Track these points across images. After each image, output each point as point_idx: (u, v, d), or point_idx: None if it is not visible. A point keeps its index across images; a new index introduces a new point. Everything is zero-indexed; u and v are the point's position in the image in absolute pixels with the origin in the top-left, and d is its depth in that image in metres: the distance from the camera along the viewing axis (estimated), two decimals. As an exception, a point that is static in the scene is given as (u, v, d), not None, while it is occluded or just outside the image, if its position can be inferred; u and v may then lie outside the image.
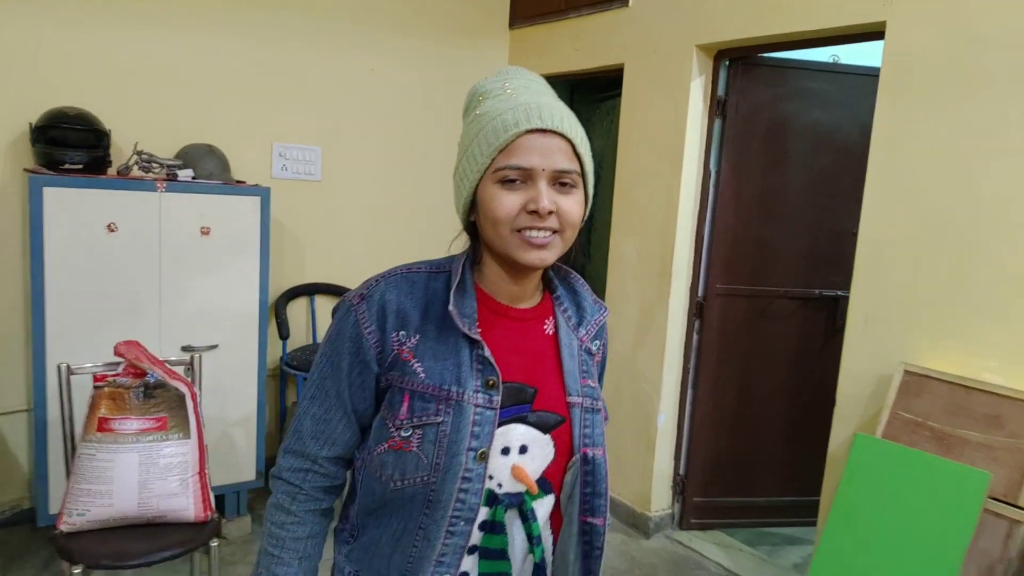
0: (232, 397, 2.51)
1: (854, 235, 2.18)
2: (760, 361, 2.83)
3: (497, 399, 0.82)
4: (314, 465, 0.87)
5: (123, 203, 2.23)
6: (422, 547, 0.82)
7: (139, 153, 2.37)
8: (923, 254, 2.00)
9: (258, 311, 2.52)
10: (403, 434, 0.81)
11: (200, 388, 2.01)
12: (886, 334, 2.08)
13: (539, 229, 0.79)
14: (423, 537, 0.81)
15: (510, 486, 0.84)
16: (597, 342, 0.95)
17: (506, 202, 0.79)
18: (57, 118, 2.29)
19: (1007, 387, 1.79)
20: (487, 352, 0.83)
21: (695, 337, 2.80)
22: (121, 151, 2.49)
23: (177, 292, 2.36)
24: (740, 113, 2.67)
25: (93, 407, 1.79)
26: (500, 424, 0.82)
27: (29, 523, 2.50)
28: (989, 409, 1.79)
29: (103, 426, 1.77)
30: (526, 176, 0.79)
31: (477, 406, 0.81)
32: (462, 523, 0.81)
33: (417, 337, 0.83)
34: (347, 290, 0.89)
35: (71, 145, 2.27)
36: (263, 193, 2.48)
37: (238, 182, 2.64)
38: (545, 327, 0.90)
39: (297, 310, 3.08)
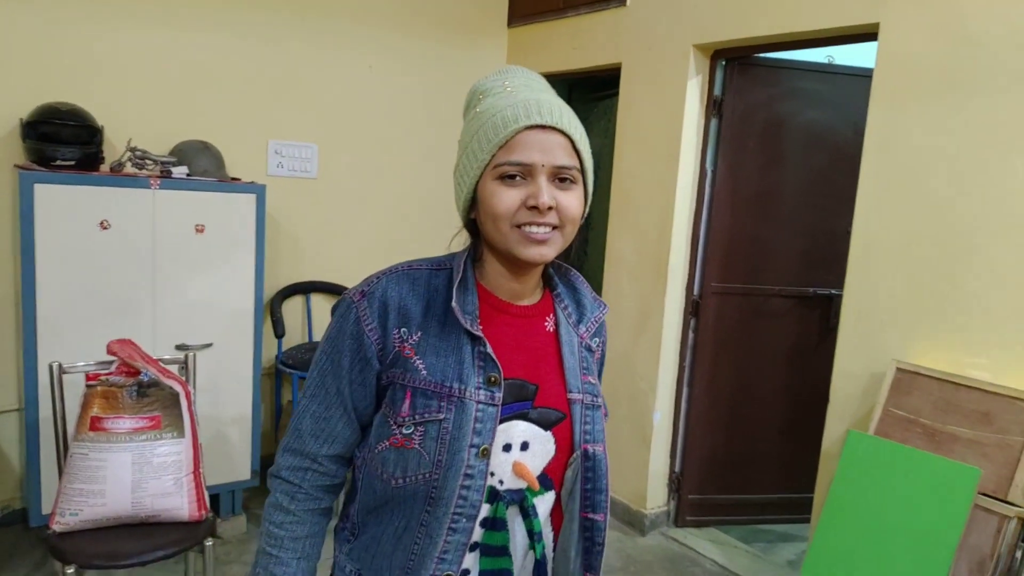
0: (227, 396, 2.50)
1: (848, 234, 2.19)
2: (755, 359, 2.84)
3: (499, 396, 0.82)
4: (314, 464, 0.87)
5: (116, 200, 2.22)
6: (424, 544, 0.81)
7: (132, 150, 2.35)
8: (915, 253, 2.01)
9: (253, 309, 2.50)
10: (405, 431, 0.81)
11: (194, 387, 2.00)
12: (878, 332, 2.09)
13: (539, 225, 0.79)
14: (425, 534, 0.81)
15: (511, 483, 0.84)
16: (597, 339, 0.95)
17: (506, 198, 0.79)
18: (49, 114, 2.27)
19: (996, 384, 1.81)
20: (489, 349, 0.83)
21: (691, 335, 2.81)
22: (114, 148, 2.48)
23: (171, 290, 2.35)
24: (736, 113, 2.68)
25: (85, 406, 1.78)
26: (502, 421, 0.82)
27: (21, 523, 2.48)
28: (979, 406, 1.81)
29: (96, 425, 1.76)
30: (526, 172, 0.79)
31: (479, 403, 0.81)
32: (464, 520, 0.81)
33: (419, 334, 0.83)
34: (343, 288, 0.89)
35: (63, 141, 2.25)
36: (258, 190, 2.47)
37: (233, 179, 2.62)
38: (546, 324, 0.90)
39: (293, 308, 3.06)
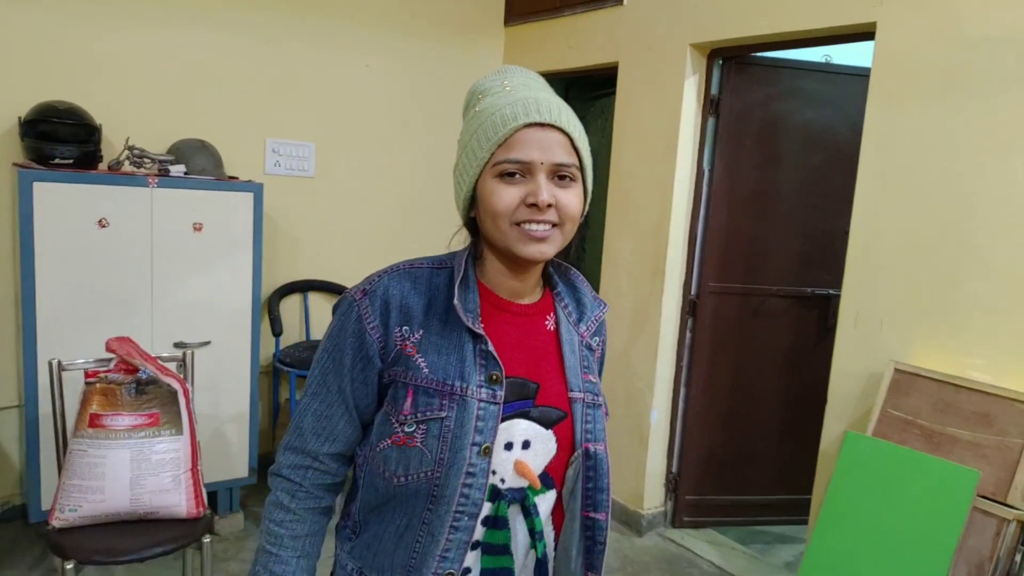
0: (225, 393, 2.50)
1: (846, 234, 2.19)
2: (753, 359, 2.85)
3: (500, 394, 0.82)
4: (315, 462, 0.87)
5: (114, 198, 2.22)
6: (425, 543, 0.82)
7: (130, 148, 2.35)
8: (913, 253, 2.01)
9: (251, 308, 2.50)
10: (407, 429, 0.81)
11: (192, 384, 2.00)
12: (877, 333, 2.09)
13: (538, 222, 0.79)
14: (426, 533, 0.81)
15: (513, 481, 0.84)
16: (597, 338, 0.96)
17: (505, 195, 0.79)
18: (47, 112, 2.27)
19: (995, 385, 1.80)
20: (490, 347, 0.83)
21: (688, 335, 2.81)
22: (112, 146, 2.47)
23: (169, 288, 2.35)
24: (733, 112, 2.69)
25: (84, 403, 1.78)
26: (503, 419, 0.82)
27: (20, 519, 2.48)
28: (978, 407, 1.81)
29: (95, 422, 1.76)
30: (525, 170, 0.79)
31: (481, 401, 0.81)
32: (465, 518, 0.81)
33: (420, 332, 0.83)
34: (341, 287, 0.89)
35: (61, 140, 2.25)
36: (256, 189, 2.47)
37: (231, 178, 2.62)
38: (546, 323, 0.90)
39: (290, 307, 3.07)
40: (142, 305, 2.31)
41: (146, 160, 2.37)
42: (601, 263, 3.00)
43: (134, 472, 1.75)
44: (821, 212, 2.75)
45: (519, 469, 0.83)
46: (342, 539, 0.92)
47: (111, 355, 1.83)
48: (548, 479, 0.86)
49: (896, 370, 1.98)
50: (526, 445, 0.85)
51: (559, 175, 0.80)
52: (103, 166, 2.37)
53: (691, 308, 2.80)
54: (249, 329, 2.51)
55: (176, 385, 1.81)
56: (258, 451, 2.65)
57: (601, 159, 3.05)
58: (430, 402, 0.81)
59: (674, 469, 2.89)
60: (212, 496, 2.46)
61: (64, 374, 1.89)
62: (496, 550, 0.84)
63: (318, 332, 3.06)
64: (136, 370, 1.81)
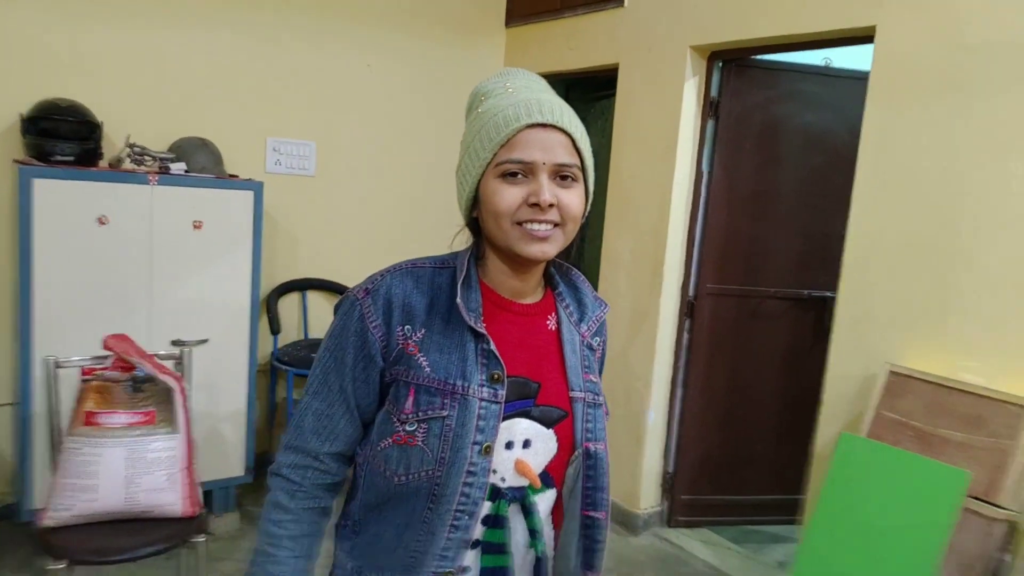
0: (222, 392, 2.50)
1: (843, 237, 2.20)
2: (750, 360, 2.85)
3: (502, 393, 0.82)
4: (315, 461, 0.87)
5: (114, 196, 2.21)
6: (425, 541, 0.82)
7: (131, 146, 2.35)
8: (909, 256, 2.02)
9: (249, 306, 2.50)
10: (408, 428, 0.81)
11: (190, 383, 2.00)
12: (872, 335, 2.10)
13: (540, 222, 0.80)
14: (426, 531, 0.82)
15: (513, 480, 0.84)
16: (598, 338, 0.96)
17: (508, 195, 0.80)
18: (48, 109, 2.26)
19: (987, 388, 1.81)
20: (492, 346, 0.83)
21: (686, 336, 2.82)
22: (113, 144, 2.47)
23: (168, 286, 2.34)
24: (733, 114, 2.70)
25: (80, 401, 1.78)
26: (504, 418, 0.83)
27: (11, 518, 2.47)
28: (970, 409, 1.82)
29: (90, 420, 1.75)
30: (527, 170, 0.80)
31: (482, 400, 0.81)
32: (465, 517, 0.81)
33: (423, 331, 0.83)
34: (340, 286, 0.89)
35: (62, 137, 2.25)
36: (256, 187, 2.47)
37: (231, 176, 2.62)
38: (548, 322, 0.91)
39: (289, 305, 3.06)
40: (140, 303, 2.31)
41: (147, 158, 2.36)
42: (600, 263, 3.00)
43: (128, 471, 1.74)
44: (819, 215, 2.76)
45: (519, 468, 0.84)
46: (341, 538, 0.92)
47: (108, 352, 1.82)
48: (548, 478, 0.87)
49: (890, 372, 1.99)
50: (527, 444, 0.85)
51: (561, 175, 0.81)
52: (104, 163, 2.37)
53: (689, 309, 2.80)
54: (247, 327, 2.51)
55: (172, 383, 1.81)
56: (255, 450, 2.64)
57: (601, 160, 3.03)
58: (432, 401, 0.81)
59: (670, 469, 2.90)
60: (208, 495, 2.45)
61: (60, 371, 1.88)
62: (495, 549, 0.84)
63: (316, 331, 3.06)
64: (133, 368, 1.81)
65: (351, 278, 0.91)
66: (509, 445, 0.84)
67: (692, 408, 2.85)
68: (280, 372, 2.94)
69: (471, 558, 0.84)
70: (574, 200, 0.82)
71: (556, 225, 0.81)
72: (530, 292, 0.90)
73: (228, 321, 2.47)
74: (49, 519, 1.72)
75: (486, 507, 0.83)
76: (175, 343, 2.35)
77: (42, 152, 2.23)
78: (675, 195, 2.69)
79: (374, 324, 0.83)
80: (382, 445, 0.84)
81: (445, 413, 0.81)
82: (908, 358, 2.01)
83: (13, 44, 2.36)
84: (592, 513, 0.88)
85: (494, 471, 0.83)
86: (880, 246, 2.09)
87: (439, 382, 0.81)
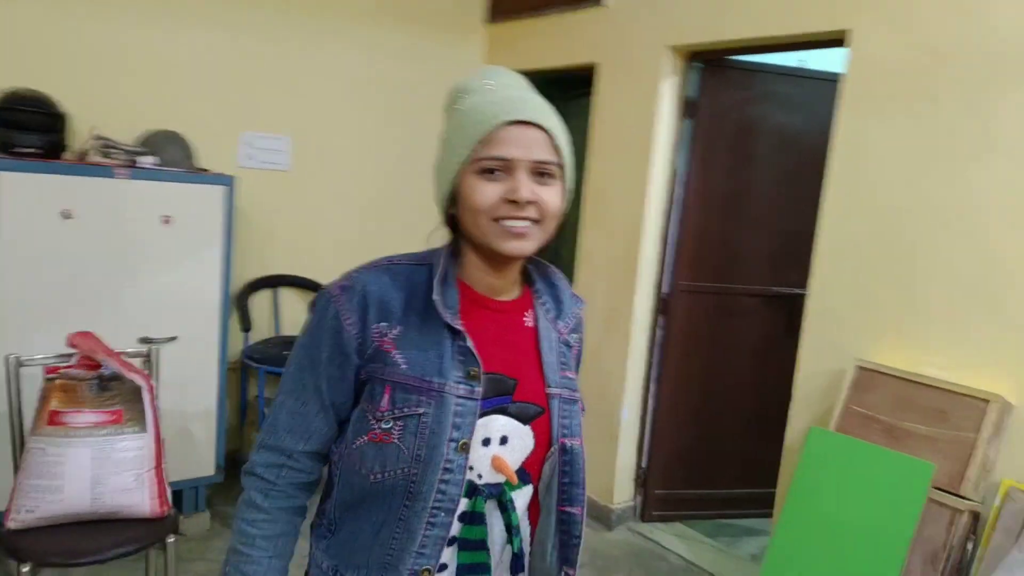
0: (192, 390, 2.45)
1: (814, 236, 2.25)
2: (722, 357, 2.90)
3: (479, 390, 0.82)
4: (289, 460, 0.86)
5: (80, 189, 2.15)
6: (402, 539, 0.81)
7: (96, 138, 2.29)
8: (877, 255, 2.07)
9: (220, 302, 2.46)
10: (384, 426, 0.81)
11: (158, 381, 1.96)
12: (841, 332, 2.15)
13: (518, 218, 0.80)
14: (403, 529, 0.81)
15: (490, 477, 0.84)
16: (575, 335, 0.96)
17: (486, 191, 0.79)
18: (11, 100, 2.20)
19: (950, 382, 1.87)
20: (469, 343, 0.83)
21: (659, 333, 2.85)
22: (81, 136, 2.40)
23: (136, 282, 2.29)
24: (709, 114, 2.73)
25: (44, 400, 1.73)
26: (481, 415, 0.83)
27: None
28: (934, 403, 1.87)
29: (54, 419, 1.71)
30: (506, 167, 0.80)
31: (459, 397, 0.81)
32: (443, 514, 0.81)
33: (399, 328, 0.83)
34: (313, 283, 0.88)
35: (26, 128, 2.19)
36: (228, 182, 2.42)
37: (202, 170, 2.57)
38: (525, 319, 0.91)
39: (261, 302, 3.02)
40: (107, 299, 2.25)
41: (114, 150, 2.30)
42: (575, 261, 3.01)
43: (95, 471, 1.70)
44: (791, 214, 2.80)
45: (496, 465, 0.84)
46: (317, 537, 0.91)
47: (73, 350, 1.77)
48: (525, 474, 0.87)
49: (859, 368, 2.04)
50: (504, 441, 0.85)
51: (540, 172, 0.81)
52: (69, 156, 2.30)
53: (663, 306, 2.83)
54: (217, 324, 2.47)
55: (141, 381, 1.77)
56: (225, 449, 2.60)
57: (577, 158, 3.07)
58: (408, 398, 0.81)
59: (644, 464, 2.93)
60: (177, 495, 2.40)
61: (23, 370, 1.82)
62: (473, 546, 0.84)
63: (289, 328, 3.02)
64: (99, 366, 1.76)
65: (325, 274, 0.90)
66: (486, 442, 0.84)
67: (665, 404, 2.88)
68: (251, 370, 2.90)
69: (448, 555, 0.84)
70: (553, 197, 0.82)
71: (534, 222, 0.81)
72: (508, 289, 0.90)
73: (198, 318, 2.42)
74: (13, 521, 1.67)
75: (463, 504, 0.83)
76: (143, 340, 2.30)
77: (4, 143, 2.16)
78: (651, 194, 2.72)
79: (349, 321, 0.82)
80: (357, 443, 0.83)
81: (421, 410, 0.80)
82: (876, 354, 2.06)
83: (-27, 32, 2.28)
84: (568, 509, 0.89)
85: (471, 468, 0.83)
86: (848, 244, 2.14)
87: (415, 379, 0.81)
